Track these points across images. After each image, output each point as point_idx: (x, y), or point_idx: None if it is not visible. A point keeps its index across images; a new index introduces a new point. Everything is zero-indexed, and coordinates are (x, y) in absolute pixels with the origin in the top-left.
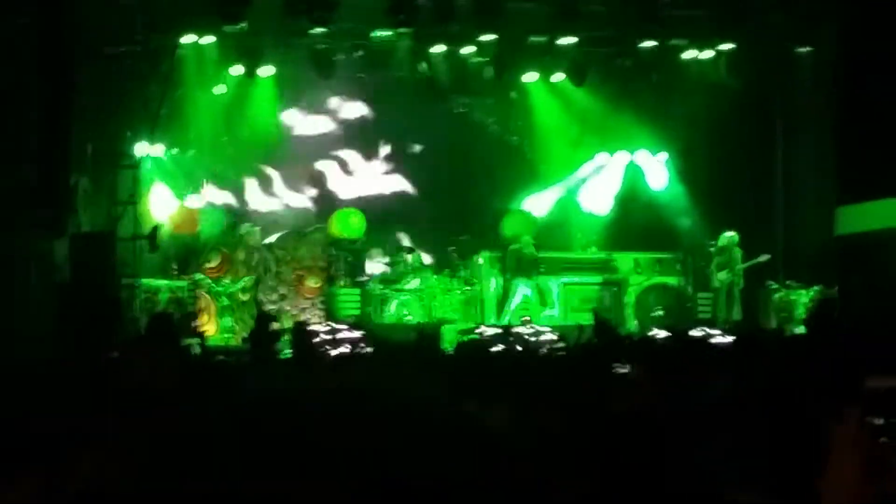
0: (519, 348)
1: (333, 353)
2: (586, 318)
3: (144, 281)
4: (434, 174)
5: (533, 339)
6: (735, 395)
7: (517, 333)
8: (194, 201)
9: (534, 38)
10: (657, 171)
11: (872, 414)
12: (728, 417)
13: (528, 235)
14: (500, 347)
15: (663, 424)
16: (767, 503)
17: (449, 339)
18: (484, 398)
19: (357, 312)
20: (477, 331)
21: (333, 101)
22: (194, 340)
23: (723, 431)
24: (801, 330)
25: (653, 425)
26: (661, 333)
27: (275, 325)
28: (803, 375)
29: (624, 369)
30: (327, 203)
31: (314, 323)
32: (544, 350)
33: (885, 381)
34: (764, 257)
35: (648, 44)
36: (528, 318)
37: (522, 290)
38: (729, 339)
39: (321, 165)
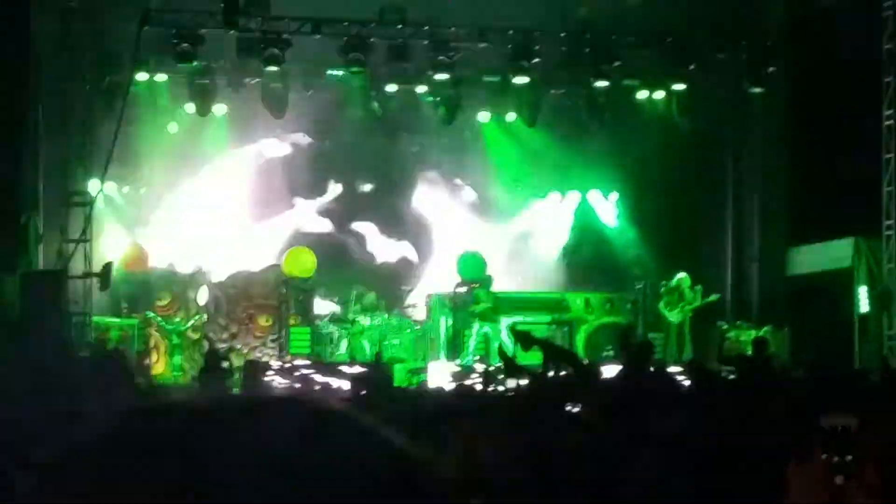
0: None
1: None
2: (536, 358)
3: (95, 318)
4: (386, 213)
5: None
6: (689, 434)
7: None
8: (146, 240)
9: (487, 78)
10: (609, 210)
11: (827, 451)
12: (682, 455)
13: (481, 279)
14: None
15: (612, 462)
16: None
17: (399, 378)
18: (436, 436)
19: (308, 351)
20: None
21: (285, 139)
22: (143, 379)
23: (676, 469)
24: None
25: (602, 462)
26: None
27: (224, 364)
28: (759, 415)
29: (575, 408)
30: (278, 241)
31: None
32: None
33: (838, 419)
34: (713, 297)
35: (601, 84)
36: (483, 357)
37: (482, 330)
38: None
39: (273, 203)
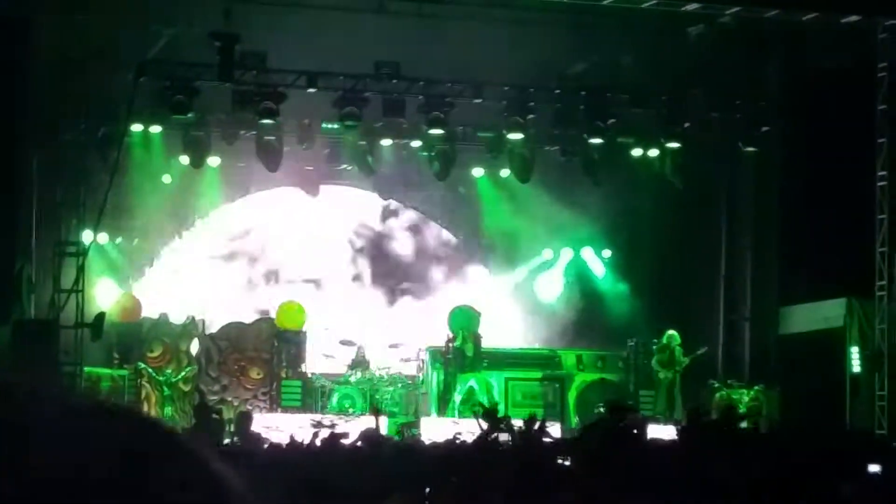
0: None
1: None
2: (527, 414)
3: (87, 369)
4: (378, 266)
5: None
6: (679, 487)
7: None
8: (138, 290)
9: (482, 134)
10: (602, 267)
11: None
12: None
13: (467, 332)
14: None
15: None
16: None
17: (389, 432)
18: (427, 487)
19: (299, 404)
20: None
21: (279, 193)
22: None
23: None
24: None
25: None
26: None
27: (215, 416)
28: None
29: (567, 462)
30: (270, 294)
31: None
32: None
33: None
34: (701, 350)
35: (595, 141)
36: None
37: (468, 384)
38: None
39: (267, 254)
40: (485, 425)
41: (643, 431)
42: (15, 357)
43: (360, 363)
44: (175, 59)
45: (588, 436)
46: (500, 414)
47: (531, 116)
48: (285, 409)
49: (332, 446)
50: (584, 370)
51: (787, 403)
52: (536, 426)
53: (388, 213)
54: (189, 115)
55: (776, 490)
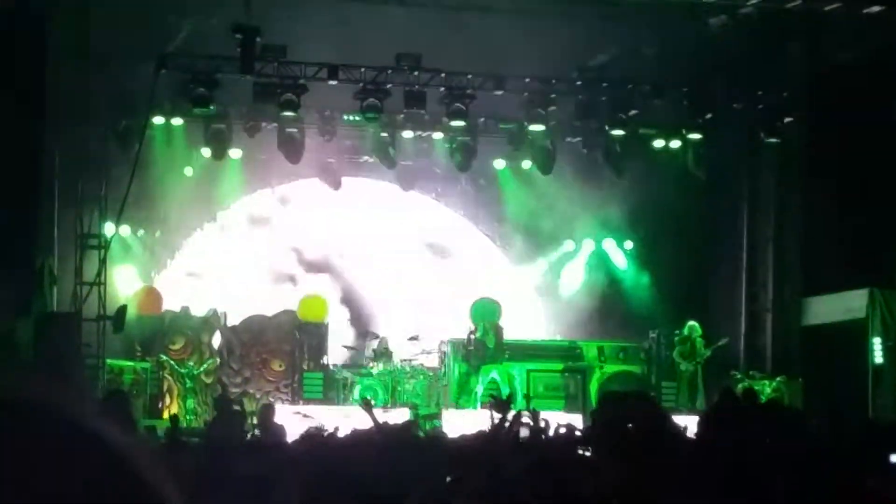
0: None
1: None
2: (549, 405)
3: (108, 361)
4: (400, 259)
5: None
6: (701, 482)
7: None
8: (160, 283)
9: (503, 126)
10: (623, 259)
11: None
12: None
13: (488, 324)
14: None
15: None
16: None
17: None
18: (448, 478)
19: (321, 396)
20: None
21: (301, 185)
22: (157, 422)
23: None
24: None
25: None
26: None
27: (236, 408)
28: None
29: (587, 452)
30: (293, 286)
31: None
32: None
33: None
34: (723, 341)
35: (617, 132)
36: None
37: (490, 375)
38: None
39: (289, 248)
40: (497, 416)
41: (665, 416)
42: (37, 350)
43: (382, 355)
44: (196, 51)
45: (602, 409)
46: (521, 406)
47: (553, 108)
48: (307, 402)
49: (353, 439)
50: (605, 362)
51: (810, 394)
52: (563, 429)
53: (409, 204)
54: (210, 107)
55: (797, 480)
